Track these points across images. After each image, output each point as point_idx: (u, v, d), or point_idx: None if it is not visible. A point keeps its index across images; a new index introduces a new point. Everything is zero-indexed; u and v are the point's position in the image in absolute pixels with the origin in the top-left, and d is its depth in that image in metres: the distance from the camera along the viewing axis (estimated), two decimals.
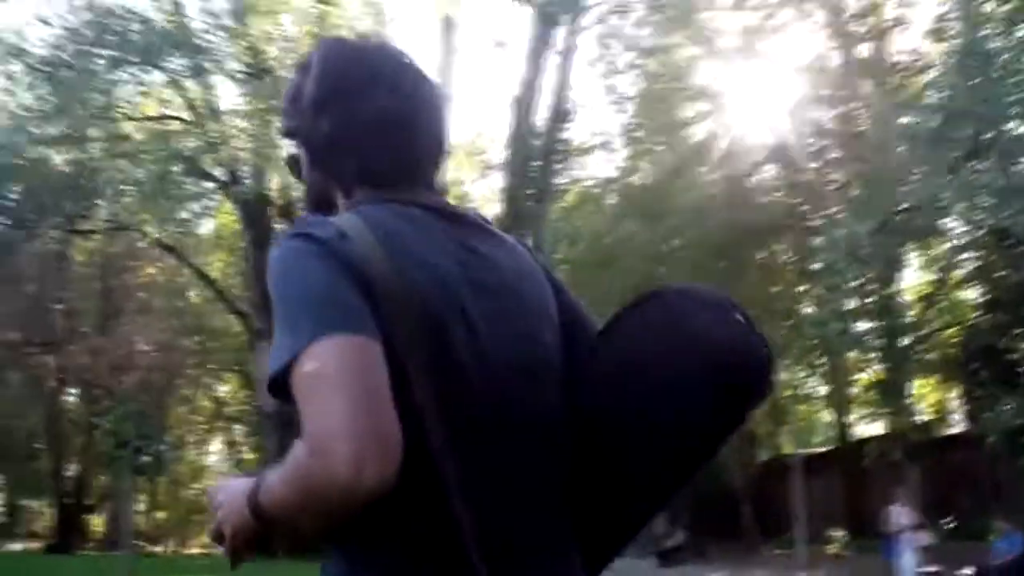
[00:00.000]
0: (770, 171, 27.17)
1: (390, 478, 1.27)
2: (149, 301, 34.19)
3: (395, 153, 1.60)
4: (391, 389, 1.32)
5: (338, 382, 1.29)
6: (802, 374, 30.74)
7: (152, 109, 26.55)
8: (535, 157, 28.40)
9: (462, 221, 1.60)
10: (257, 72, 23.55)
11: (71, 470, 37.64)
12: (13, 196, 24.84)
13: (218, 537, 1.49)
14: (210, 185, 27.30)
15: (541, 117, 29.14)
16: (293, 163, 1.71)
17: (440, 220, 1.56)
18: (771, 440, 35.46)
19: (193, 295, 35.75)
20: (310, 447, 1.29)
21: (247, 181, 26.72)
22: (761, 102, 24.54)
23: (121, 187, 25.01)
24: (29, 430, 36.33)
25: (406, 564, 1.44)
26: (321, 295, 1.37)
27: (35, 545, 38.42)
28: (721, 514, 30.67)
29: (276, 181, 26.42)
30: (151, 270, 34.92)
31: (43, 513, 43.74)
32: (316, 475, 1.28)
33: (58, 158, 23.24)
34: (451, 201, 1.68)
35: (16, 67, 23.26)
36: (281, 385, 1.36)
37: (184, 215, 27.31)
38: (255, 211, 26.85)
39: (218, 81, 25.93)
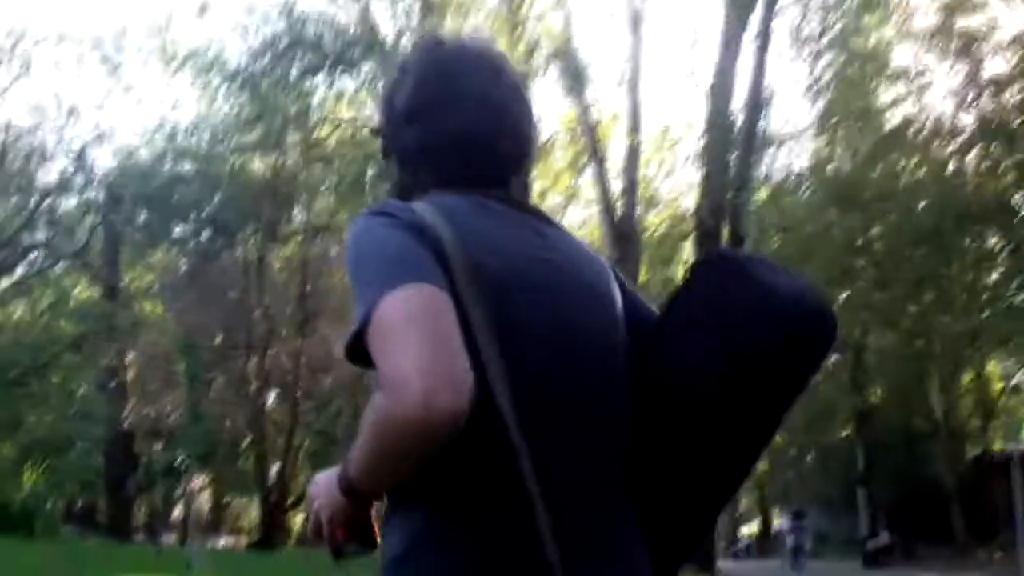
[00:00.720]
0: (977, 153, 25.41)
1: (461, 413, 1.31)
2: (346, 303, 34.48)
3: (476, 166, 1.67)
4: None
5: (409, 325, 1.33)
6: (1015, 365, 28.78)
7: (346, 113, 26.68)
8: (733, 147, 27.25)
9: (531, 211, 1.68)
10: None
11: (273, 469, 38.53)
12: (215, 204, 25.38)
13: (317, 530, 1.55)
14: None
15: (737, 106, 27.99)
16: (385, 153, 1.77)
17: (510, 208, 1.64)
18: (980, 436, 33.54)
19: None
20: (384, 389, 1.33)
21: None
22: (964, 80, 22.98)
23: (318, 191, 25.27)
24: (234, 430, 37.28)
25: (472, 520, 1.46)
26: (393, 255, 1.42)
27: (241, 541, 39.55)
28: (929, 514, 29.30)
29: None
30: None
31: (248, 510, 45.08)
32: (392, 414, 1.31)
33: (257, 165, 23.58)
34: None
35: (216, 79, 23.72)
36: (360, 349, 1.38)
37: None
38: None
39: None
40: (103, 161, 33.23)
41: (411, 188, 1.69)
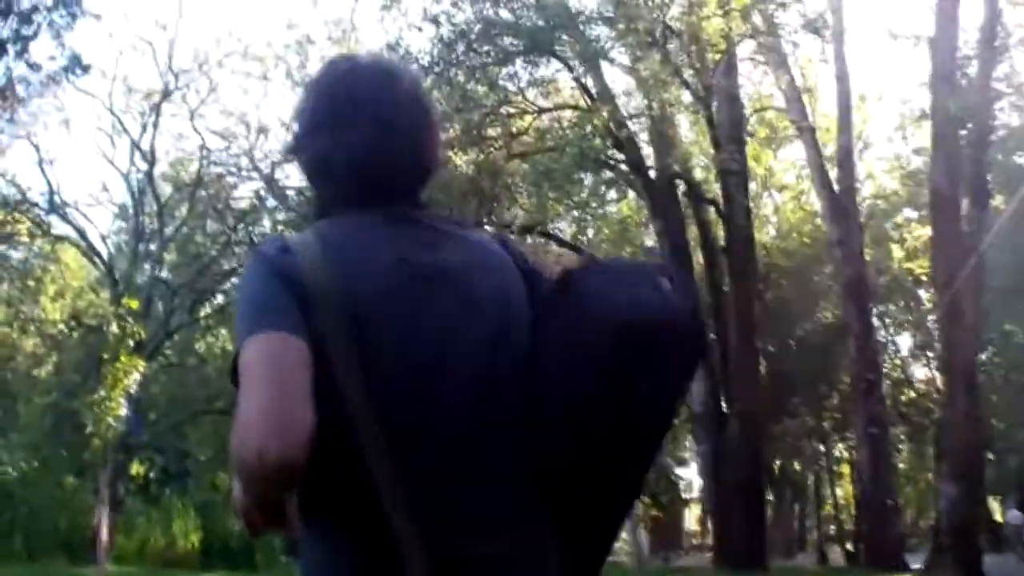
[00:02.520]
0: None
1: (291, 460, 1.46)
2: None
3: (373, 180, 1.80)
4: (319, 376, 1.55)
5: (256, 373, 1.54)
6: None
7: (546, 100, 25.22)
8: (966, 101, 24.69)
9: (418, 225, 1.80)
10: (657, 39, 21.49)
11: None
12: None
13: (248, 524, 1.65)
14: (611, 175, 25.63)
15: (965, 56, 25.39)
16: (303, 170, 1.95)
17: (394, 226, 1.77)
18: None
19: None
20: (234, 430, 1.51)
21: (652, 166, 24.79)
22: None
23: (523, 185, 23.91)
24: None
25: (347, 539, 1.65)
26: (256, 302, 1.64)
27: None
28: None
29: (682, 163, 24.44)
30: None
31: None
32: (238, 454, 1.50)
33: (457, 161, 22.25)
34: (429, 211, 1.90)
35: None
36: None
37: (588, 209, 25.79)
38: (663, 197, 24.67)
39: (611, 63, 24.08)
40: (294, 180, 32.80)
41: (323, 205, 1.86)
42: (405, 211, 1.82)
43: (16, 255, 38.60)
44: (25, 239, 35.75)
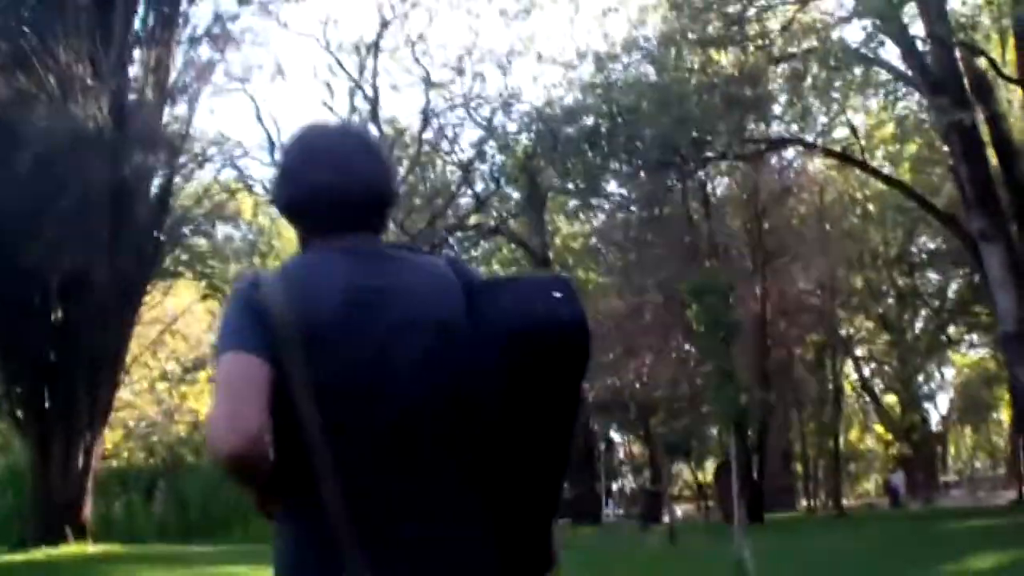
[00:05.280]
0: None
1: (243, 449, 1.81)
2: (813, 230, 29.94)
3: (333, 214, 2.13)
4: (277, 390, 1.88)
5: (222, 383, 1.90)
6: None
7: None
8: None
9: (369, 255, 2.12)
10: None
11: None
12: (664, 127, 21.37)
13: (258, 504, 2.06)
14: (886, 76, 22.35)
15: None
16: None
17: (347, 256, 2.09)
18: None
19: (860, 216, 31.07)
20: (206, 429, 2.10)
21: (931, 62, 21.25)
22: None
23: (783, 95, 21.09)
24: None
25: (300, 531, 1.99)
26: (229, 327, 1.98)
27: None
28: None
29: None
30: (810, 193, 30.67)
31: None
32: (208, 447, 1.90)
33: (720, 59, 19.45)
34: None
35: None
36: None
37: (860, 114, 22.56)
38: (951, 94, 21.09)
39: None
40: (512, 128, 30.92)
41: (301, 241, 2.21)
42: (360, 241, 2.13)
43: (237, 234, 38.44)
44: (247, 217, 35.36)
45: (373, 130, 28.94)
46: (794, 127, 24.56)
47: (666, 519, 31.62)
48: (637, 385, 30.88)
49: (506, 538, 2.05)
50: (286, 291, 1.99)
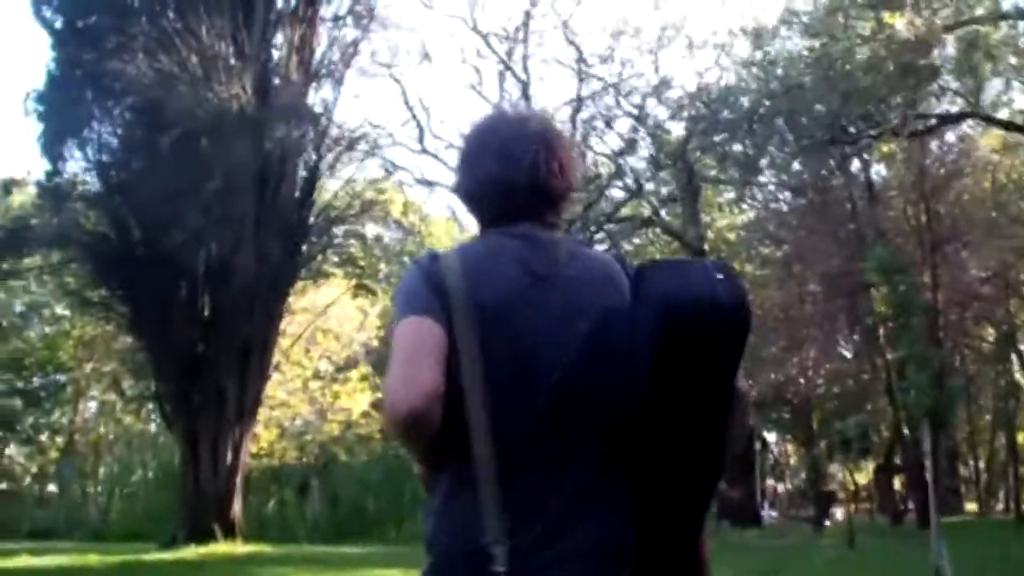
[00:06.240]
0: None
1: (419, 407, 1.92)
2: (983, 215, 28.16)
3: (502, 204, 2.22)
4: (448, 358, 1.98)
5: (398, 347, 2.01)
6: None
7: None
8: None
9: (543, 244, 2.18)
10: None
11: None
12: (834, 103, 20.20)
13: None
14: None
15: None
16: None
17: (521, 242, 2.17)
18: None
19: None
20: (383, 389, 2.12)
21: None
22: None
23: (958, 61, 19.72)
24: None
25: (450, 496, 2.06)
26: (409, 294, 2.10)
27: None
28: None
29: None
30: (979, 175, 28.92)
31: None
32: (384, 406, 2.04)
33: (894, 23, 18.19)
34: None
35: None
36: None
37: None
38: None
39: None
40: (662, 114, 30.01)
41: (480, 226, 2.30)
42: (533, 230, 2.21)
43: (387, 234, 38.26)
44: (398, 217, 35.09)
45: None
46: (960, 101, 23.12)
47: (827, 522, 30.41)
48: (802, 381, 29.56)
49: (650, 539, 2.06)
50: (463, 267, 2.09)
